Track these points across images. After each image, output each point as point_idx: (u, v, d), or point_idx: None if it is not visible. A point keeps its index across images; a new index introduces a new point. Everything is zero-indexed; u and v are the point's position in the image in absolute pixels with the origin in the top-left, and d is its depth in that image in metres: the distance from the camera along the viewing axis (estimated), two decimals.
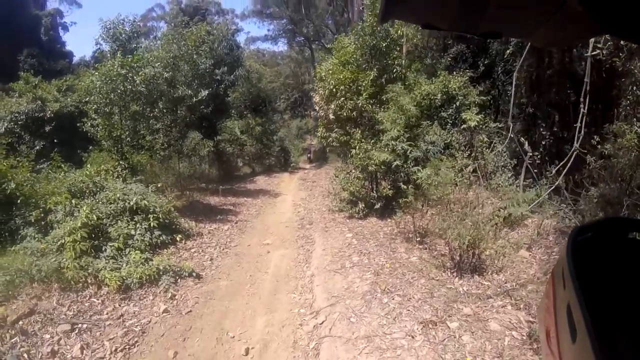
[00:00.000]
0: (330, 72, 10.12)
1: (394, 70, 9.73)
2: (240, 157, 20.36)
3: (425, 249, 6.33)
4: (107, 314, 4.69)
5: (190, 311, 4.96)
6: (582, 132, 5.42)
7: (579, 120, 5.28)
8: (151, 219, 6.72)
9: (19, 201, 6.17)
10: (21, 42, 24.74)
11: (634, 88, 5.70)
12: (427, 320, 4.02)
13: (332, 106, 10.06)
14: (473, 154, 8.22)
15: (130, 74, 8.50)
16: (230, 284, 5.92)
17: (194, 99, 11.21)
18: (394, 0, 0.46)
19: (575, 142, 5.42)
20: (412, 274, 5.37)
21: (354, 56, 10.10)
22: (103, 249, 5.79)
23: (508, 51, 8.16)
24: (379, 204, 8.41)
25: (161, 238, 6.85)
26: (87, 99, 9.35)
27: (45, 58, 25.72)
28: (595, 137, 5.51)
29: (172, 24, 16.40)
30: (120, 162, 9.11)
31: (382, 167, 8.08)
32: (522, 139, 7.32)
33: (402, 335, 3.85)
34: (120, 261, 5.65)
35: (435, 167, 6.90)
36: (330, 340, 4.06)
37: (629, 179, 5.21)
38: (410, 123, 8.48)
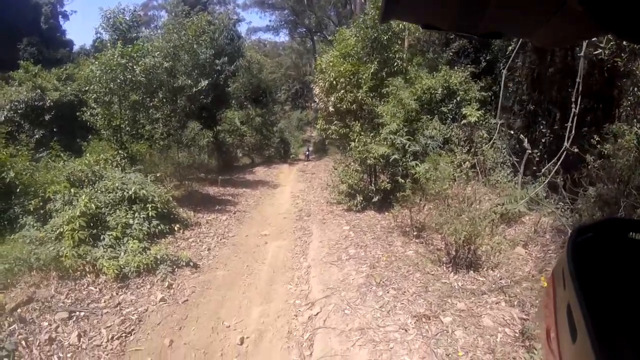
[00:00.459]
0: (331, 64, 10.05)
1: (395, 64, 9.65)
2: (240, 147, 20.35)
3: (422, 243, 6.36)
4: (104, 302, 4.74)
5: (187, 300, 5.02)
6: (573, 131, 5.39)
7: (570, 120, 5.25)
8: (149, 209, 6.74)
9: (18, 190, 6.18)
10: (21, 31, 24.51)
11: (635, 89, 5.66)
12: (420, 314, 4.07)
13: (332, 98, 10.01)
14: (472, 150, 8.22)
15: (130, 64, 8.45)
16: (228, 274, 5.97)
17: (194, 89, 11.15)
18: (394, 0, 0.46)
19: (565, 141, 5.41)
20: (408, 267, 5.41)
21: (355, 49, 10.02)
22: (101, 237, 5.82)
23: (510, 47, 8.08)
24: (377, 197, 8.43)
25: (159, 227, 6.89)
26: (86, 88, 9.30)
27: (45, 47, 25.55)
28: (595, 136, 5.49)
29: (173, 14, 16.19)
30: (120, 152, 9.11)
31: (381, 160, 8.08)
32: (522, 135, 7.30)
33: (395, 328, 3.90)
34: (118, 250, 5.69)
35: (433, 162, 6.89)
36: (325, 332, 4.12)
37: (627, 180, 5.20)
38: (410, 117, 8.45)
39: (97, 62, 8.55)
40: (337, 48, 10.46)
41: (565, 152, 5.20)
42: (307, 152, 23.21)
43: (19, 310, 4.19)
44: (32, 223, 5.74)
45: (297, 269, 6.08)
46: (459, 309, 4.15)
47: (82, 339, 4.02)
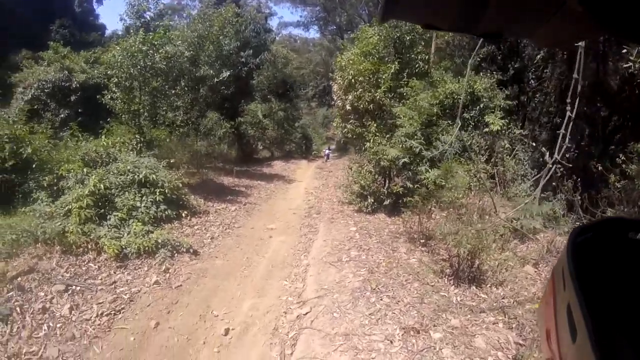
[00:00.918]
0: (351, 62, 9.89)
1: (417, 65, 9.36)
2: (260, 140, 20.51)
3: (428, 252, 6.12)
4: (101, 279, 4.86)
5: (181, 286, 5.06)
6: (566, 143, 4.89)
7: (563, 127, 4.79)
8: (157, 193, 6.86)
9: (34, 166, 6.45)
10: (54, 12, 25.13)
11: None
12: (409, 327, 3.88)
13: (350, 97, 9.86)
14: (493, 159, 7.84)
15: (150, 51, 8.62)
16: (226, 263, 5.99)
17: (215, 79, 11.29)
18: (394, 0, 0.46)
19: (556, 152, 5.00)
20: (407, 276, 5.21)
21: (377, 47, 9.79)
22: (107, 217, 5.98)
23: (539, 56, 7.62)
24: (389, 201, 8.23)
25: (167, 212, 7.00)
26: (110, 72, 9.59)
27: (77, 29, 26.35)
28: (620, 155, 5.05)
29: (205, 3, 16.51)
30: (137, 136, 9.34)
31: (395, 163, 7.86)
32: (545, 149, 6.87)
33: (381, 338, 3.74)
34: (122, 231, 5.82)
35: (448, 169, 6.62)
36: (310, 333, 4.02)
37: None
38: (428, 121, 8.16)
39: (118, 48, 8.79)
40: (359, 46, 10.27)
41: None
42: (327, 152, 21.16)
43: (19, 279, 4.36)
44: (44, 198, 5.98)
45: (296, 266, 6.02)
46: (451, 326, 3.92)
47: (73, 311, 4.13)
